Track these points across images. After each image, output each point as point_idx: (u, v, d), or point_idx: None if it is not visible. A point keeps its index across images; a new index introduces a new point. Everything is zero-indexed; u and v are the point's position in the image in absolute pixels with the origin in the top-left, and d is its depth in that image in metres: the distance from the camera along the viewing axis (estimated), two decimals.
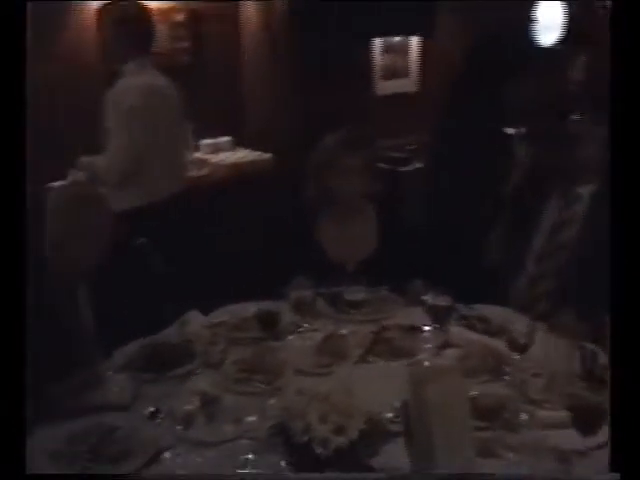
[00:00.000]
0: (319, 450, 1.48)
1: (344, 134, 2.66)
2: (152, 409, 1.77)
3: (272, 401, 1.79)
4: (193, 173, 3.93)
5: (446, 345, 2.05)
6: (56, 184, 2.14)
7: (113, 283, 2.23)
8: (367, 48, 4.69)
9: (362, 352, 2.06)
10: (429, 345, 2.08)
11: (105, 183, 3.16)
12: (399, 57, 4.88)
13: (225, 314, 2.32)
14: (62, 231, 2.04)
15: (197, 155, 4.14)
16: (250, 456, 1.55)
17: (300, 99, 4.14)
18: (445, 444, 1.41)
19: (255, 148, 4.27)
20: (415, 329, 2.17)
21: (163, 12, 3.96)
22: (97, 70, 3.69)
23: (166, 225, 3.14)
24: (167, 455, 1.62)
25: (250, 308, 2.24)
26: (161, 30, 3.86)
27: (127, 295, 2.25)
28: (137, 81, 3.10)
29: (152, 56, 3.23)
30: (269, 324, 2.16)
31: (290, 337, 2.19)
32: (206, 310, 2.37)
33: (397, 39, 4.83)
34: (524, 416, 1.69)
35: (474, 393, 1.74)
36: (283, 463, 1.52)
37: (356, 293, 2.31)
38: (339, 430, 1.51)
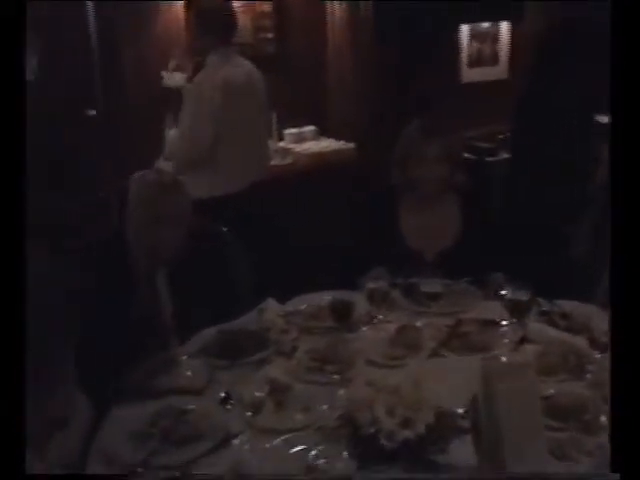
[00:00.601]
0: (385, 443, 1.47)
1: (425, 123, 2.62)
2: (223, 394, 1.80)
3: (342, 391, 1.78)
4: (277, 162, 3.97)
5: (524, 341, 1.98)
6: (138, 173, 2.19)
7: (192, 270, 2.28)
8: (454, 35, 4.59)
9: (436, 345, 2.02)
10: (506, 340, 2.01)
11: (178, 160, 3.24)
12: (487, 44, 4.75)
13: (301, 303, 2.33)
14: (143, 218, 2.10)
15: (281, 144, 4.18)
16: (314, 452, 1.53)
17: (384, 88, 4.10)
18: (514, 443, 1.36)
19: (339, 137, 4.26)
20: (492, 324, 2.10)
21: (248, 3, 4.01)
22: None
23: (247, 213, 3.19)
24: (236, 441, 1.64)
25: (326, 298, 2.24)
26: (246, 21, 3.91)
27: (205, 282, 2.31)
28: (220, 72, 3.15)
29: (235, 47, 3.27)
30: (343, 314, 2.16)
31: (364, 328, 2.18)
32: (284, 299, 2.39)
33: (485, 25, 4.71)
34: (604, 419, 1.61)
35: (551, 392, 1.68)
36: (345, 454, 1.50)
37: (433, 285, 2.27)
38: (406, 423, 1.49)
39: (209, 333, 2.11)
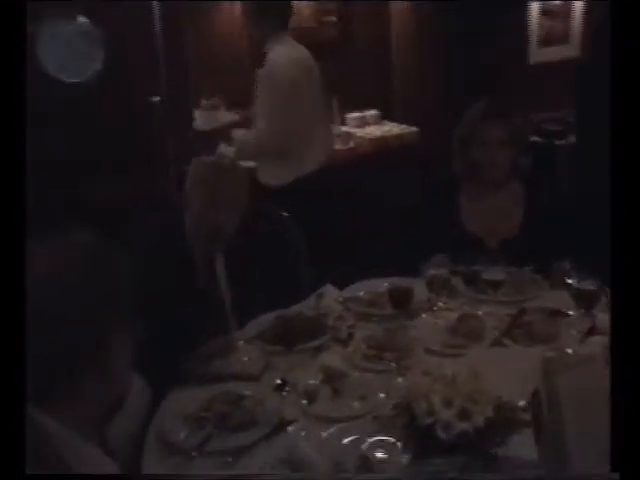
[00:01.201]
0: (441, 435, 1.43)
1: (489, 105, 2.53)
2: (279, 381, 1.79)
3: (399, 380, 1.75)
4: (339, 146, 3.94)
5: (592, 332, 1.89)
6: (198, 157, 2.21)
7: (252, 255, 2.28)
8: (523, 12, 4.43)
9: (498, 335, 1.95)
10: (573, 332, 1.93)
11: (254, 158, 3.25)
12: (558, 21, 4.57)
13: (360, 290, 2.29)
14: (200, 201, 2.11)
15: (343, 129, 4.14)
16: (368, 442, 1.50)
17: (449, 70, 4.01)
18: (579, 439, 1.30)
19: (401, 121, 4.20)
20: (558, 314, 2.02)
21: None
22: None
23: (310, 199, 3.17)
24: (291, 428, 1.63)
25: (384, 284, 2.21)
26: (310, 4, 3.87)
27: (265, 267, 2.30)
28: (283, 57, 3.14)
29: (292, 31, 3.25)
30: (402, 301, 2.12)
31: (424, 315, 2.13)
32: (343, 285, 2.36)
33: (557, 2, 4.53)
34: None
35: None
36: (400, 444, 1.47)
37: (495, 273, 2.20)
38: (463, 415, 1.44)
39: (266, 319, 2.11)
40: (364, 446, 1.50)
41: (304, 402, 1.69)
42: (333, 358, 1.87)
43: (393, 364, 1.85)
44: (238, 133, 3.32)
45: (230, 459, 1.53)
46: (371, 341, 1.95)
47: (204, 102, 3.56)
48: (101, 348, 1.14)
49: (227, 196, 2.12)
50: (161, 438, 1.61)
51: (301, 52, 3.27)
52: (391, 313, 2.11)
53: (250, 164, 3.39)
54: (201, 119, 3.57)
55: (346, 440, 1.54)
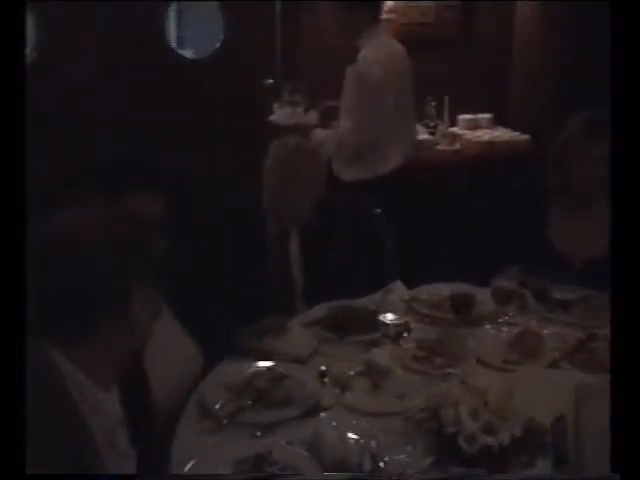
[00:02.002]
0: (463, 445, 1.41)
1: (593, 117, 2.42)
2: (323, 368, 1.81)
3: (443, 386, 1.73)
4: (443, 147, 3.90)
5: None
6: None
7: (327, 241, 2.31)
8: None
9: (557, 356, 1.88)
10: None
11: (335, 158, 3.27)
12: None
13: (427, 291, 2.27)
14: (275, 179, 2.18)
15: (452, 129, 4.08)
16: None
17: (570, 79, 3.84)
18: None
19: (515, 128, 4.07)
20: None
21: None
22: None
23: (397, 195, 3.17)
24: (324, 414, 1.65)
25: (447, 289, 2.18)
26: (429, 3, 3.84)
27: (338, 256, 2.33)
28: (372, 55, 3.13)
29: (403, 26, 3.24)
30: (462, 308, 2.09)
31: (487, 326, 2.09)
32: (412, 285, 2.35)
33: None
34: None
35: None
36: (421, 448, 1.46)
37: (567, 292, 2.11)
38: (489, 430, 1.41)
39: (330, 305, 2.13)
40: (386, 445, 1.49)
41: (337, 392, 1.70)
42: (382, 354, 1.88)
43: (446, 369, 1.83)
44: (319, 133, 3.33)
45: (259, 433, 1.57)
46: (424, 343, 1.94)
47: (286, 96, 3.58)
48: (120, 298, 1.19)
49: (303, 178, 2.18)
50: (199, 402, 1.68)
51: (395, 50, 3.24)
52: (452, 318, 2.08)
53: None
54: (280, 114, 3.58)
55: (371, 436, 1.54)
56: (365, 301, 2.21)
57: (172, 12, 3.78)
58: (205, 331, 1.91)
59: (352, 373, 1.77)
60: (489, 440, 1.40)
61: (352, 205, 2.61)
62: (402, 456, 1.45)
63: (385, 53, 3.15)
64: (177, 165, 3.13)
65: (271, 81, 3.85)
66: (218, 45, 3.81)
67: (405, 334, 2.00)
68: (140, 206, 1.71)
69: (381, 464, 1.38)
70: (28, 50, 3.49)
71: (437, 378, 1.78)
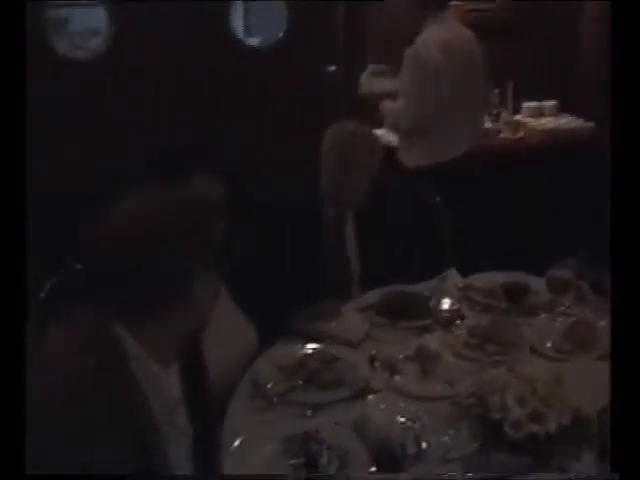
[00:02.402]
0: (509, 432, 1.41)
1: None
2: (374, 352, 1.84)
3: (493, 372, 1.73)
4: (506, 134, 3.84)
5: None
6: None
7: (384, 226, 2.33)
8: None
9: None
10: None
11: (398, 128, 3.28)
12: None
13: (482, 279, 2.27)
14: (331, 163, 2.22)
15: (516, 117, 4.01)
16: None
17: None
18: None
19: (580, 115, 3.98)
20: None
21: None
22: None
23: (458, 183, 3.15)
24: (372, 397, 1.68)
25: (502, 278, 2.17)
26: None
27: (395, 241, 2.34)
28: (438, 35, 3.11)
29: (466, 13, 3.20)
30: (515, 296, 2.08)
31: (542, 315, 2.07)
32: (468, 272, 2.35)
33: None
34: None
35: None
36: (466, 434, 1.47)
37: None
38: (536, 417, 1.41)
39: (384, 291, 2.15)
40: (431, 428, 1.51)
41: (387, 375, 1.73)
42: (432, 339, 1.90)
43: (496, 357, 1.83)
44: (387, 104, 3.35)
45: (308, 412, 1.62)
46: (477, 330, 1.94)
47: (371, 66, 3.58)
48: (184, 280, 1.24)
49: (359, 162, 2.20)
50: (252, 381, 1.73)
51: (459, 35, 3.20)
52: (505, 307, 2.08)
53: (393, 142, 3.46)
54: (365, 83, 3.56)
55: (417, 418, 1.56)
56: (420, 287, 2.23)
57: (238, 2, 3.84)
58: (261, 313, 1.97)
59: (402, 357, 1.80)
60: (535, 428, 1.40)
61: (410, 191, 2.62)
62: (445, 438, 1.46)
63: (446, 37, 3.12)
64: (239, 150, 3.22)
65: (333, 68, 3.88)
66: (282, 33, 3.86)
67: (458, 321, 2.01)
68: (203, 190, 1.76)
69: (424, 445, 1.40)
70: (95, 37, 3.64)
71: (487, 365, 1.79)
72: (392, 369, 1.77)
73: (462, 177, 3.15)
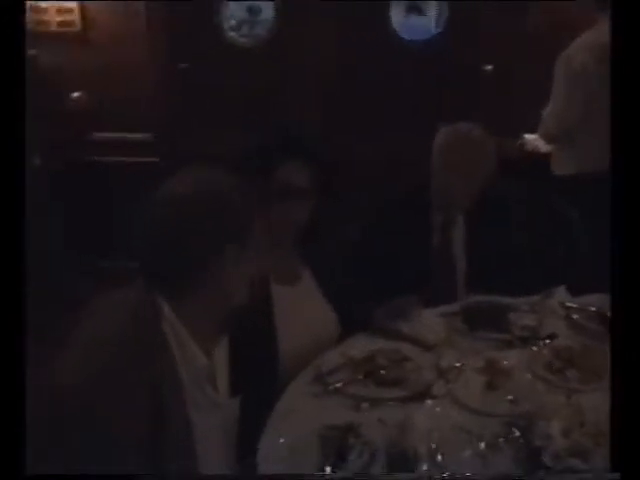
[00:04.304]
0: (547, 461, 1.34)
1: None
2: (446, 357, 1.81)
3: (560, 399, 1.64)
4: None
5: None
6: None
7: (495, 233, 2.25)
8: None
9: None
10: None
11: (547, 134, 3.16)
12: None
13: (590, 301, 2.13)
14: (441, 165, 2.19)
15: None
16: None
17: None
18: None
19: None
20: None
21: None
22: None
23: (597, 195, 2.95)
24: (429, 402, 1.66)
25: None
26: None
27: (505, 250, 2.26)
28: (589, 40, 2.96)
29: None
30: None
31: None
32: (578, 292, 2.21)
33: None
34: None
35: None
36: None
37: None
38: (577, 451, 1.33)
39: (473, 299, 2.10)
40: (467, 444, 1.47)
41: (451, 382, 1.70)
42: (510, 355, 1.82)
43: (571, 383, 1.72)
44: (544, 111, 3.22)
45: (362, 405, 1.64)
46: (565, 353, 1.84)
47: None
48: (214, 264, 1.31)
49: (469, 166, 2.15)
50: (317, 366, 1.78)
51: None
52: (603, 333, 1.93)
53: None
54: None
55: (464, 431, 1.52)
56: (519, 301, 2.13)
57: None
58: (345, 304, 2.00)
59: (471, 367, 1.75)
60: (575, 462, 1.32)
61: (546, 200, 2.52)
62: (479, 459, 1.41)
63: (602, 42, 2.93)
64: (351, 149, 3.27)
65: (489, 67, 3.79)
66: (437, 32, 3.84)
67: (547, 340, 1.91)
68: (289, 179, 1.83)
69: (439, 458, 1.36)
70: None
71: (562, 390, 1.69)
72: (457, 377, 1.73)
73: (604, 189, 2.95)
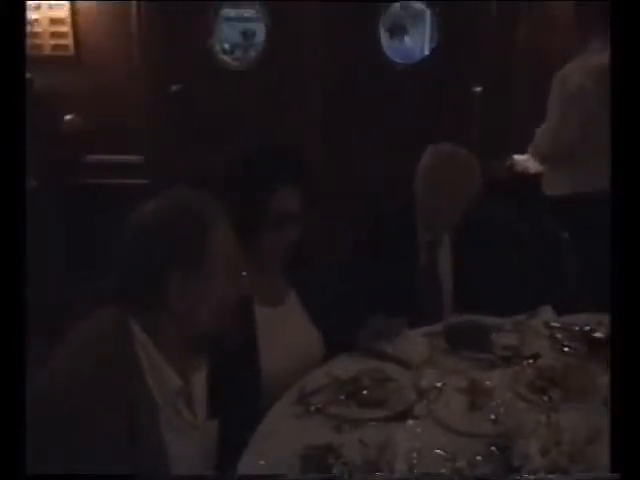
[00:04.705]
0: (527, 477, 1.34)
1: None
2: (428, 377, 1.81)
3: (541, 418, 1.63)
4: None
5: None
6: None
7: (481, 254, 2.26)
8: None
9: None
10: None
11: (539, 153, 3.18)
12: None
13: (574, 321, 2.13)
14: (425, 185, 2.20)
15: None
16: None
17: None
18: None
19: None
20: None
21: None
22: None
23: (592, 217, 2.97)
24: (410, 422, 1.64)
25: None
26: None
27: (490, 270, 2.27)
28: (594, 60, 2.94)
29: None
30: (603, 343, 1.93)
31: None
32: (564, 311, 2.22)
33: None
34: None
35: None
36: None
37: None
38: (556, 470, 1.33)
39: (456, 318, 2.10)
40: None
41: (433, 402, 1.70)
42: (493, 375, 1.82)
43: (554, 402, 1.72)
44: (538, 130, 3.24)
45: (342, 426, 1.63)
46: (548, 372, 1.84)
47: None
48: (166, 287, 1.32)
49: (454, 186, 2.16)
50: (301, 386, 1.77)
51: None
52: (587, 352, 1.94)
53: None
54: None
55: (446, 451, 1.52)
56: (502, 320, 2.14)
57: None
58: (330, 324, 2.00)
59: (453, 388, 1.75)
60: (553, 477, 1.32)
61: (537, 220, 2.54)
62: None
63: (599, 63, 2.95)
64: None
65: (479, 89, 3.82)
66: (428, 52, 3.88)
67: (530, 360, 1.92)
68: (280, 202, 1.83)
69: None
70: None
71: (541, 408, 1.68)
72: (439, 397, 1.73)
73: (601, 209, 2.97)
